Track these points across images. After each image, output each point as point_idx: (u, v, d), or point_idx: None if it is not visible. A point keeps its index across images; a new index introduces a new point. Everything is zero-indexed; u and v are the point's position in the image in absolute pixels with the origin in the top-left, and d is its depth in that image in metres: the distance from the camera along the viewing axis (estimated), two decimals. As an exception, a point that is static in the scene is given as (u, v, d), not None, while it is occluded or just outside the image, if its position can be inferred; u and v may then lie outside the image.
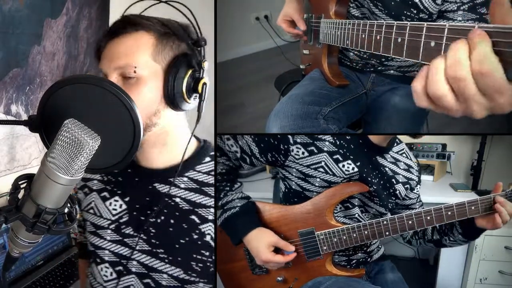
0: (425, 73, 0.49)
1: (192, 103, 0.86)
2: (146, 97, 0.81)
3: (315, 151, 1.05)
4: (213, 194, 0.87)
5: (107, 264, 0.90)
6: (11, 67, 1.42)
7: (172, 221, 0.86)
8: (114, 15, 0.86)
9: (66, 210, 0.66)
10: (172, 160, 0.88)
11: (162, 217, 0.86)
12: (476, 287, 1.83)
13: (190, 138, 0.89)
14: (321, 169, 1.04)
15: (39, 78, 1.55)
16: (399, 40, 0.70)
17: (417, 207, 1.20)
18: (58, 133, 0.60)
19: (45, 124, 0.69)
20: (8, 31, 1.38)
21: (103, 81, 0.69)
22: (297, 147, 1.05)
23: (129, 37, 0.81)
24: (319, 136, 1.06)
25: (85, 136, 0.59)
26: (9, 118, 1.42)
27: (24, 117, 1.50)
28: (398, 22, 0.71)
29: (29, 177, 0.65)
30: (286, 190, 1.13)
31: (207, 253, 0.87)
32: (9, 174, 1.46)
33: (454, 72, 0.46)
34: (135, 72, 0.79)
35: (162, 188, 0.88)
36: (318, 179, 1.05)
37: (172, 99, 0.82)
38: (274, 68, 1.98)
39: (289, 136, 1.06)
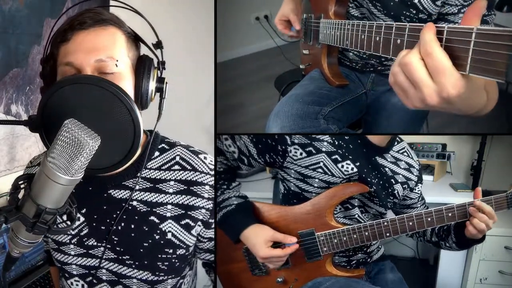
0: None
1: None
2: (128, 92, 0.77)
3: (313, 151, 1.04)
4: (167, 190, 0.86)
5: (76, 278, 0.90)
6: (11, 67, 1.42)
7: (132, 226, 0.85)
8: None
9: (66, 210, 0.66)
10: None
11: (122, 224, 0.85)
12: (476, 287, 1.82)
13: (151, 139, 0.86)
14: (320, 170, 1.04)
15: (39, 78, 1.55)
16: (399, 41, 0.70)
17: (419, 206, 1.20)
18: (58, 133, 0.60)
19: (45, 124, 0.69)
20: (8, 31, 1.38)
21: (103, 81, 0.69)
22: (295, 148, 1.05)
23: (101, 31, 0.78)
24: (317, 137, 1.06)
25: (85, 136, 0.59)
26: (9, 118, 1.42)
27: (24, 117, 1.50)
28: (397, 23, 0.71)
29: (29, 177, 0.65)
30: (285, 192, 1.13)
31: (171, 251, 0.86)
32: (9, 174, 1.46)
33: (403, 59, 0.58)
34: (116, 66, 0.76)
35: (117, 194, 0.86)
36: (316, 180, 1.05)
37: (142, 99, 0.81)
38: (274, 68, 1.99)
39: (287, 137, 1.05)
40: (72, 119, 0.60)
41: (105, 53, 0.76)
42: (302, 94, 1.16)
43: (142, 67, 0.82)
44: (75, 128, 0.59)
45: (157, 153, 0.89)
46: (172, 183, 0.86)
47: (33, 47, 1.50)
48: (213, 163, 0.90)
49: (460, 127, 1.70)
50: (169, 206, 0.85)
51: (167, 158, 0.88)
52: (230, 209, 1.08)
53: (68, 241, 0.88)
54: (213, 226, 0.91)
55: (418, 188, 1.18)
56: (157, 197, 0.85)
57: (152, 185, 0.86)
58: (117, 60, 0.77)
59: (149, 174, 0.87)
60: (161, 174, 0.87)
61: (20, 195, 0.65)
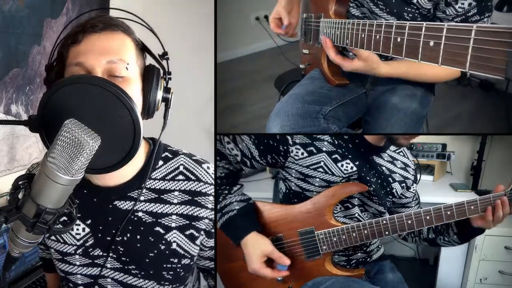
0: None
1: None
2: (136, 99, 0.77)
3: (314, 151, 1.05)
4: (172, 201, 0.85)
5: (81, 287, 0.90)
6: (11, 67, 1.42)
7: (138, 236, 0.85)
8: (114, 15, 0.86)
9: (66, 210, 0.66)
10: (128, 173, 0.85)
11: (128, 234, 0.85)
12: (476, 287, 1.82)
13: (155, 150, 0.86)
14: (320, 169, 1.05)
15: (39, 78, 1.55)
16: (399, 39, 0.70)
17: (413, 205, 1.20)
18: (58, 133, 0.60)
19: (45, 124, 0.69)
20: (8, 31, 1.38)
21: (103, 81, 0.69)
22: (296, 148, 1.05)
23: (112, 35, 0.78)
24: (318, 136, 1.06)
25: (85, 136, 0.59)
26: (9, 118, 1.42)
27: (24, 117, 1.50)
28: (397, 21, 0.71)
29: (29, 177, 0.65)
30: (286, 191, 1.13)
31: (176, 260, 0.87)
32: (9, 174, 1.46)
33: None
34: (127, 69, 0.77)
35: (123, 205, 0.86)
36: (317, 179, 1.05)
37: (149, 107, 0.81)
38: (274, 68, 1.98)
39: (288, 137, 1.06)
40: (72, 119, 0.60)
41: (116, 56, 0.76)
42: (302, 94, 1.16)
43: (150, 75, 0.82)
44: (75, 128, 0.59)
45: (161, 162, 0.88)
46: (176, 193, 0.86)
47: (33, 47, 1.50)
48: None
49: (460, 127, 1.70)
50: (174, 217, 0.85)
51: (171, 167, 0.88)
52: (232, 214, 1.08)
53: (73, 251, 0.88)
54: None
55: (414, 187, 1.18)
56: (162, 207, 0.86)
57: (157, 195, 0.86)
58: (127, 64, 0.77)
59: (153, 185, 0.87)
60: (165, 184, 0.87)
61: (20, 195, 0.65)
